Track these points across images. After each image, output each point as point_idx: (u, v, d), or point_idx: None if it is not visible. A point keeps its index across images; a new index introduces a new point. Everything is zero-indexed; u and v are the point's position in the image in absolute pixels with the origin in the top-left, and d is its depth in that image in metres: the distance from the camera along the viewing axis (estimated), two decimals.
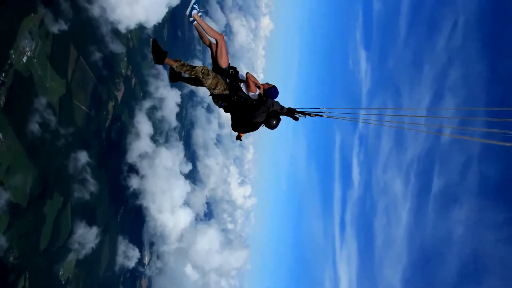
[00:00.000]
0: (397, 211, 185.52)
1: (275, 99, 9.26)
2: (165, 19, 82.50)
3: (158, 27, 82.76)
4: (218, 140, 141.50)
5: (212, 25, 9.33)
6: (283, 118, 9.24)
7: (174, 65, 8.66)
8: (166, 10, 75.70)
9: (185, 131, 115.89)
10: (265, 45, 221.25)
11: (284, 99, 9.42)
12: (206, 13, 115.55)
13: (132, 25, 69.19)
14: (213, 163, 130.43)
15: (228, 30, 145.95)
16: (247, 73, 9.20)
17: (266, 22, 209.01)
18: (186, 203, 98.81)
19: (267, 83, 9.48)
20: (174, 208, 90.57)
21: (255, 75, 9.26)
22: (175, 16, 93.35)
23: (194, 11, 9.11)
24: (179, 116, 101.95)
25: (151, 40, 8.64)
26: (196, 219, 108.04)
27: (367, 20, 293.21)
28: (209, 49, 9.57)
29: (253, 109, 9.01)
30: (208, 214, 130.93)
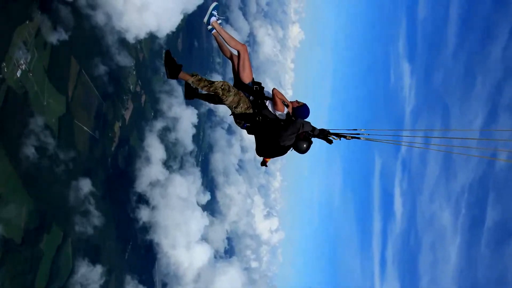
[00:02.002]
0: (445, 247, 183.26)
1: (306, 119, 9.29)
2: (179, 28, 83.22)
3: (172, 37, 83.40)
4: (240, 166, 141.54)
5: (233, 34, 9.43)
6: (315, 141, 9.26)
7: (190, 80, 8.74)
8: (181, 17, 75.84)
9: (203, 156, 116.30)
10: (294, 57, 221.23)
11: (316, 119, 9.46)
12: (227, 20, 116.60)
13: (142, 35, 69.45)
14: (234, 193, 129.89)
15: (251, 40, 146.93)
16: (273, 89, 9.26)
17: (295, 31, 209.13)
18: (204, 238, 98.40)
19: (296, 101, 9.54)
20: (190, 243, 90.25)
21: (282, 92, 9.32)
22: (191, 24, 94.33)
23: (213, 18, 9.21)
24: (195, 138, 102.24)
25: (164, 51, 8.75)
26: (215, 256, 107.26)
27: (411, 29, 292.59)
28: (230, 61, 9.66)
29: (281, 130, 9.05)
30: (229, 251, 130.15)
